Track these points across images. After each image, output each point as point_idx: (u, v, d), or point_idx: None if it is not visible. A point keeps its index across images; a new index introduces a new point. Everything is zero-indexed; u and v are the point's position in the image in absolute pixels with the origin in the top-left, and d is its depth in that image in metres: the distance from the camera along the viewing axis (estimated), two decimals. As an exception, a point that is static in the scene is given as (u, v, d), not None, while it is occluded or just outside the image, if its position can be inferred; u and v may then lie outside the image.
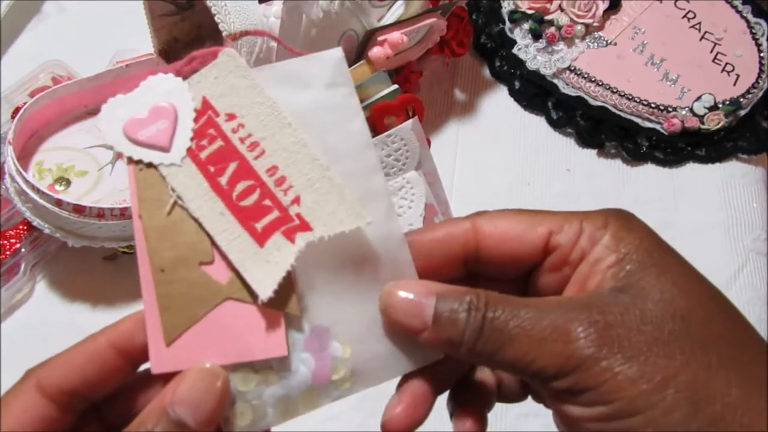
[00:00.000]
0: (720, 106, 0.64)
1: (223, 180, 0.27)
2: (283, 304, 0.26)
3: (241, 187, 0.27)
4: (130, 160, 0.27)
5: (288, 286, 0.26)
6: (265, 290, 0.26)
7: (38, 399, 0.26)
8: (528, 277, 0.29)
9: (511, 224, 0.28)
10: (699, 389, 0.24)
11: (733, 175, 0.65)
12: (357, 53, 0.56)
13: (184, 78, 0.28)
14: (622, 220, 0.28)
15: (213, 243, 0.27)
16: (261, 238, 0.26)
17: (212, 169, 0.27)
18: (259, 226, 0.26)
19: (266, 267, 0.26)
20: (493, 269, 0.29)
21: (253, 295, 0.26)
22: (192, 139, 0.27)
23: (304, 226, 0.26)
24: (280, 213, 0.26)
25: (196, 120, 0.27)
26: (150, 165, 0.27)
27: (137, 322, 0.26)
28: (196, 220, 0.27)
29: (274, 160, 0.27)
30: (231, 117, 0.27)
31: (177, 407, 0.24)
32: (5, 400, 0.26)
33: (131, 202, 0.27)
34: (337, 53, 0.28)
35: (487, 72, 0.70)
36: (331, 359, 0.27)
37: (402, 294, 0.27)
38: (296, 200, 0.27)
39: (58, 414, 0.26)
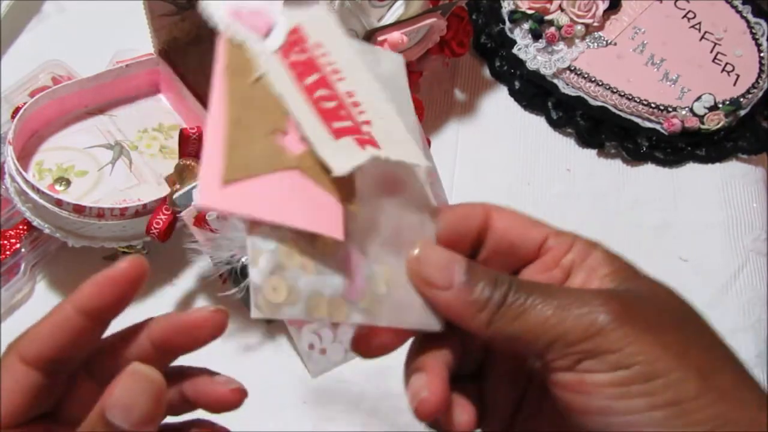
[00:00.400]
0: (720, 106, 0.64)
1: (306, 81, 0.27)
2: (346, 198, 0.26)
3: (321, 93, 0.27)
4: (225, 34, 0.27)
5: (351, 188, 0.26)
6: (342, 167, 0.25)
7: (23, 368, 0.27)
8: (516, 273, 0.31)
9: (516, 220, 0.30)
10: (703, 365, 0.25)
11: (733, 175, 0.65)
12: (357, 53, 0.56)
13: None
14: (606, 249, 0.30)
15: (290, 120, 0.26)
16: (336, 134, 0.26)
17: (297, 71, 0.27)
18: (335, 125, 0.27)
19: (342, 151, 0.26)
20: (492, 257, 0.30)
21: (322, 174, 0.26)
22: (283, 43, 0.28)
23: (374, 143, 0.26)
24: (353, 124, 0.27)
25: (289, 34, 0.28)
26: (242, 44, 0.27)
27: (97, 284, 0.28)
28: (277, 97, 0.26)
29: (352, 87, 0.28)
30: (318, 45, 0.28)
31: (111, 410, 0.25)
32: None
33: (216, 70, 0.26)
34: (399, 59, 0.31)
35: (487, 72, 0.70)
36: (365, 283, 0.27)
37: (437, 250, 0.28)
38: (368, 122, 0.27)
39: (45, 379, 0.27)
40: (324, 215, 0.25)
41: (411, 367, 0.29)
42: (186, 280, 0.57)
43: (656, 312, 0.27)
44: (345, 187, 0.26)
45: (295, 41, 0.28)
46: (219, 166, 0.24)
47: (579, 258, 0.29)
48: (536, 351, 0.26)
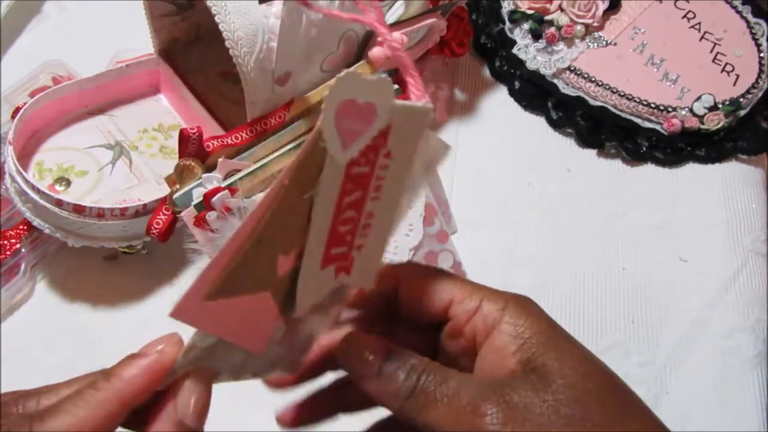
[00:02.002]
0: (720, 106, 0.64)
1: (345, 200, 0.28)
2: (289, 318, 0.28)
3: (347, 215, 0.28)
4: (320, 133, 0.26)
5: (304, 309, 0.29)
6: (303, 309, 0.28)
7: None
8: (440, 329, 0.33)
9: (423, 283, 0.32)
10: None
11: (732, 175, 0.65)
12: (357, 53, 0.56)
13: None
14: (520, 307, 0.30)
15: (302, 243, 0.27)
16: (324, 262, 0.28)
17: (347, 187, 0.27)
18: (332, 252, 0.28)
19: (314, 286, 0.28)
20: (410, 314, 0.33)
21: (282, 292, 0.28)
22: (358, 153, 0.27)
23: (349, 269, 0.29)
24: (347, 250, 0.28)
25: (374, 138, 0.27)
26: (325, 149, 0.26)
27: (144, 375, 0.26)
28: (308, 219, 0.27)
29: (377, 208, 0.28)
30: (389, 155, 0.28)
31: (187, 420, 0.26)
32: None
33: (287, 165, 0.26)
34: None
35: (487, 72, 0.70)
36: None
37: (359, 343, 0.30)
38: (360, 247, 0.29)
39: None
40: (257, 335, 0.28)
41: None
42: (186, 280, 0.57)
43: (551, 409, 0.27)
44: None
45: (374, 146, 0.27)
46: (208, 282, 0.25)
47: (481, 326, 0.30)
48: None
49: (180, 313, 0.25)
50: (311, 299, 0.28)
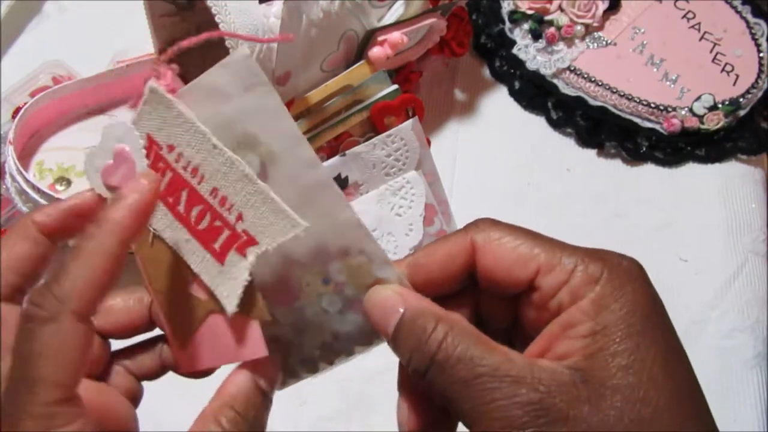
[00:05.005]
0: (719, 106, 0.64)
1: (181, 208, 0.28)
2: (253, 312, 0.28)
3: (195, 212, 0.28)
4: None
5: (252, 296, 0.28)
6: (231, 305, 0.27)
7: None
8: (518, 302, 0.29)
9: (504, 252, 0.28)
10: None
11: (732, 175, 0.65)
12: (357, 53, 0.56)
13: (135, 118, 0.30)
14: (617, 280, 0.26)
15: (186, 265, 0.29)
16: (221, 257, 0.28)
17: (171, 199, 0.28)
18: (217, 246, 0.28)
19: (229, 284, 0.27)
20: (489, 288, 0.29)
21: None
22: (149, 163, 0.29)
23: (251, 241, 0.27)
24: (230, 231, 0.28)
25: (147, 156, 0.29)
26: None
27: (131, 213, 0.27)
28: (170, 248, 0.29)
29: (213, 182, 0.28)
30: (171, 148, 0.29)
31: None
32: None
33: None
34: (241, 54, 0.28)
35: (487, 72, 0.70)
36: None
37: (380, 297, 0.28)
38: (240, 217, 0.27)
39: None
40: (246, 340, 0.28)
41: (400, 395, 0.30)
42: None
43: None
44: (250, 304, 0.28)
45: (155, 158, 0.29)
46: (174, 340, 0.30)
47: (566, 301, 0.26)
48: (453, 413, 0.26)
49: (181, 368, 0.30)
50: (235, 291, 0.27)
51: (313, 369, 0.31)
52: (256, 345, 0.28)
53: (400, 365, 0.29)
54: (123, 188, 0.27)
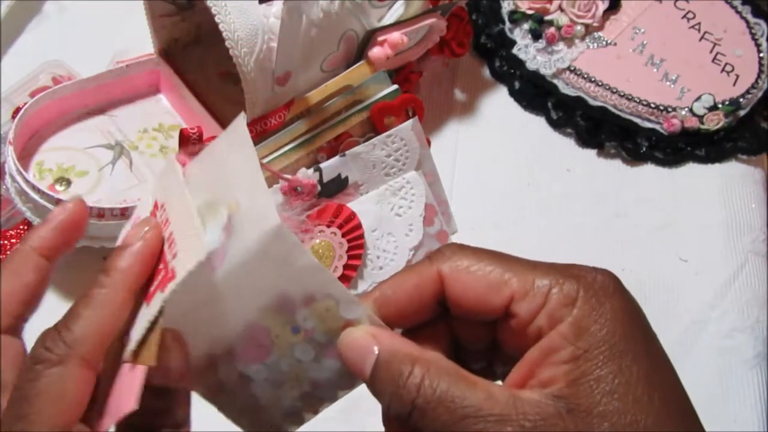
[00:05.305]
0: (720, 106, 0.64)
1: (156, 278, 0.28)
2: (140, 357, 0.26)
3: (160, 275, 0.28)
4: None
5: (150, 338, 0.26)
6: (127, 350, 0.26)
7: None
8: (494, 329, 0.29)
9: (474, 281, 0.27)
10: None
11: (732, 175, 0.65)
12: (357, 53, 0.56)
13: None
14: (594, 299, 0.25)
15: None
16: (149, 298, 0.27)
17: (161, 266, 0.28)
18: (152, 289, 0.27)
19: (139, 325, 0.27)
20: (462, 315, 0.28)
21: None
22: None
23: (173, 276, 0.26)
24: (165, 272, 0.27)
25: (152, 215, 0.30)
26: None
27: (138, 261, 0.28)
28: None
29: (172, 227, 0.28)
30: (162, 206, 0.29)
31: None
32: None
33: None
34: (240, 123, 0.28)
35: (487, 72, 0.70)
36: None
37: (352, 339, 0.27)
38: (175, 255, 0.27)
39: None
40: (128, 391, 0.26)
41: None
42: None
43: None
44: (143, 347, 0.26)
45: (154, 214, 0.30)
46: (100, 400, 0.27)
47: (545, 326, 0.26)
48: None
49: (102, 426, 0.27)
50: (137, 336, 0.26)
51: (298, 421, 0.31)
52: (131, 397, 0.25)
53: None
54: (127, 236, 0.28)
